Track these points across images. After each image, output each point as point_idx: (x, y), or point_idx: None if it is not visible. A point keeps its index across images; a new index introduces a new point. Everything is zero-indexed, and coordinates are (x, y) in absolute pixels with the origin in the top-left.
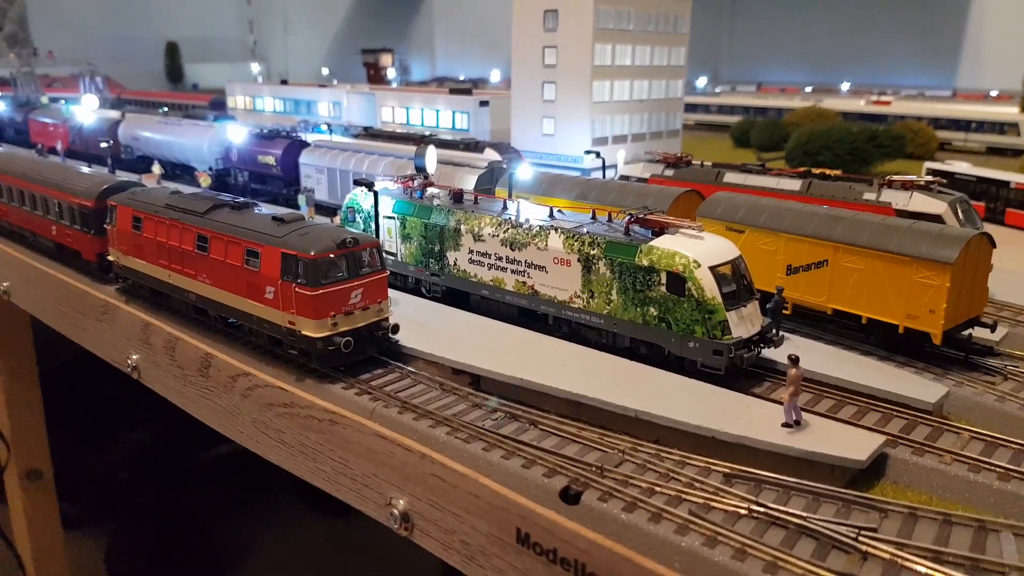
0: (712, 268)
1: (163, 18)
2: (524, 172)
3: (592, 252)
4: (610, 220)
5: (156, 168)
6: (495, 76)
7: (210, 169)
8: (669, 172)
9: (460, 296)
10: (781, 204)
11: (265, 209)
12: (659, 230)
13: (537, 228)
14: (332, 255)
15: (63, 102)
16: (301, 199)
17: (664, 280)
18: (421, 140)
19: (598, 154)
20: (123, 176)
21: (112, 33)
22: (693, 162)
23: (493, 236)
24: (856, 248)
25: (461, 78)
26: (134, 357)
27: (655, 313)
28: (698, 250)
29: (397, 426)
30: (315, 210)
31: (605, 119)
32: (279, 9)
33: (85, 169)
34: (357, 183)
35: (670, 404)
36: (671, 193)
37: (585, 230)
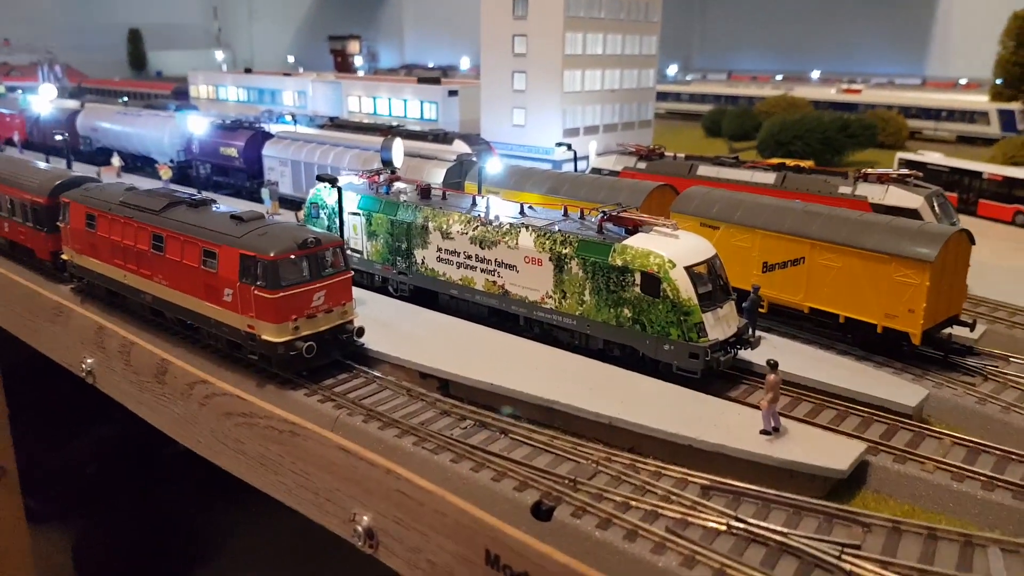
0: (687, 268)
1: (125, 4)
2: (494, 166)
3: (564, 251)
4: (582, 217)
5: (116, 160)
6: (464, 64)
7: (171, 161)
8: (642, 165)
9: (428, 295)
10: (757, 199)
11: (224, 207)
12: (633, 228)
13: (507, 226)
14: (293, 256)
15: (20, 92)
16: (265, 192)
17: (638, 280)
18: (388, 131)
19: (569, 146)
20: (81, 170)
21: (72, 20)
22: (666, 154)
23: (462, 234)
24: (833, 245)
25: (430, 65)
26: (88, 361)
27: (629, 314)
28: (673, 249)
29: (362, 436)
30: (279, 204)
31: (576, 109)
32: None
33: (40, 164)
34: (320, 179)
35: (645, 411)
36: (644, 188)
37: (557, 228)
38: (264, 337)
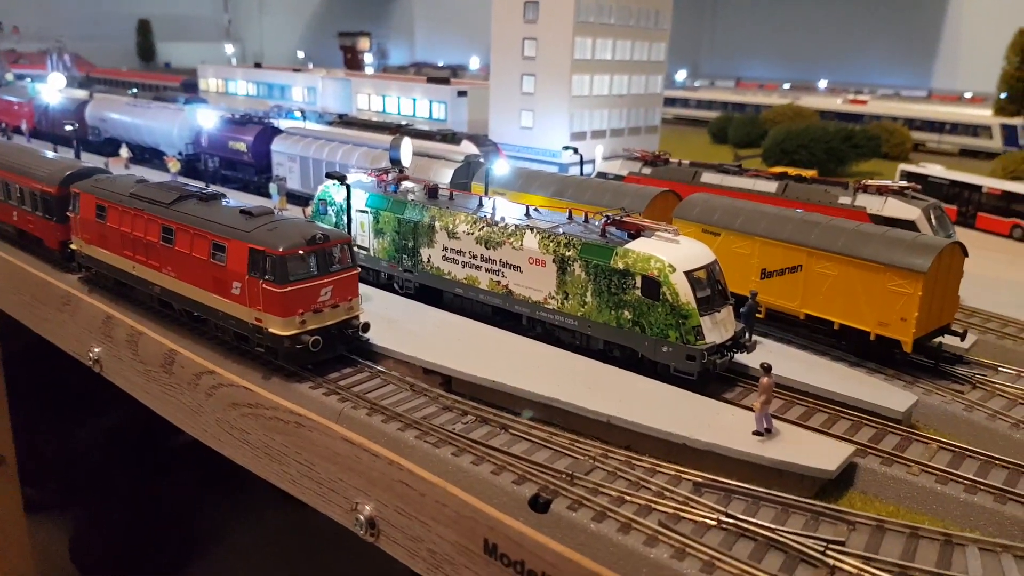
0: (687, 273)
1: None
2: (501, 167)
3: (567, 253)
4: (586, 221)
5: (124, 152)
6: (474, 63)
7: (180, 154)
8: (647, 170)
9: (433, 293)
10: (757, 207)
11: (233, 201)
12: (635, 232)
13: (512, 227)
14: (301, 251)
15: (29, 80)
16: (273, 188)
17: (639, 284)
18: (397, 130)
19: (576, 150)
20: (90, 160)
21: (83, 9)
22: (671, 160)
23: (468, 234)
24: (830, 254)
25: (440, 64)
26: (96, 350)
27: (629, 316)
28: (673, 254)
29: (366, 429)
30: (287, 199)
31: (584, 113)
32: None
33: (49, 153)
34: (329, 176)
35: (642, 410)
36: (648, 193)
37: (561, 231)
38: (271, 330)
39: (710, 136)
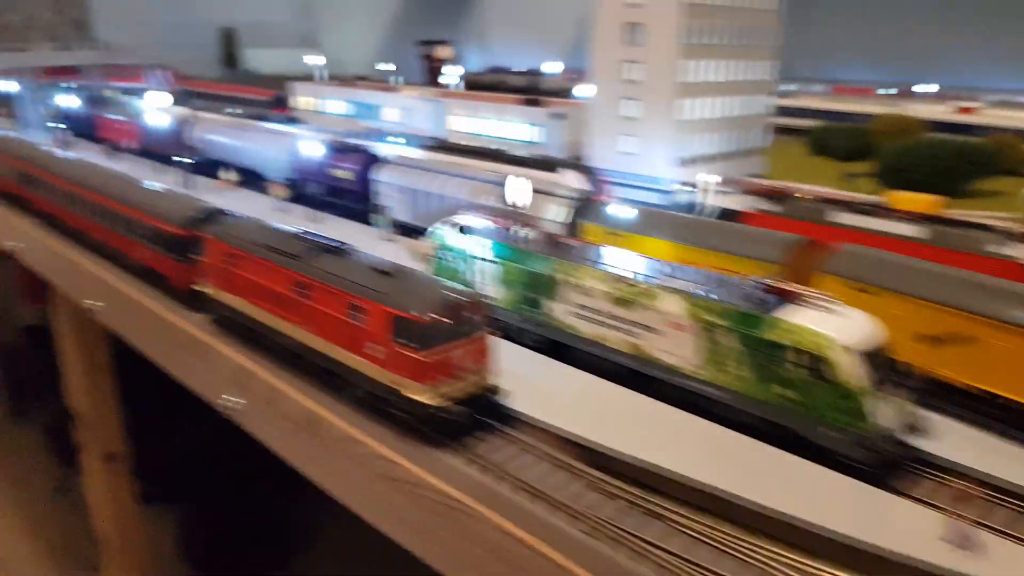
0: (855, 349)
1: (221, 2)
2: (618, 209)
3: (713, 319)
4: (732, 281)
5: (230, 175)
6: (553, 67)
7: (283, 179)
8: (767, 206)
9: (560, 346)
10: (918, 265)
11: (362, 254)
12: (789, 298)
13: (650, 286)
14: (441, 317)
15: (130, 98)
16: (377, 219)
17: (798, 359)
18: (496, 156)
19: (693, 186)
20: (199, 183)
21: (170, 19)
22: (793, 195)
23: (599, 290)
24: (1013, 327)
25: (517, 69)
26: (229, 399)
27: (785, 393)
28: (839, 327)
29: (512, 508)
30: (393, 230)
31: (688, 138)
32: None
33: (171, 190)
34: (451, 225)
35: (810, 504)
36: (782, 241)
37: (704, 293)
38: (409, 395)
39: (808, 147)
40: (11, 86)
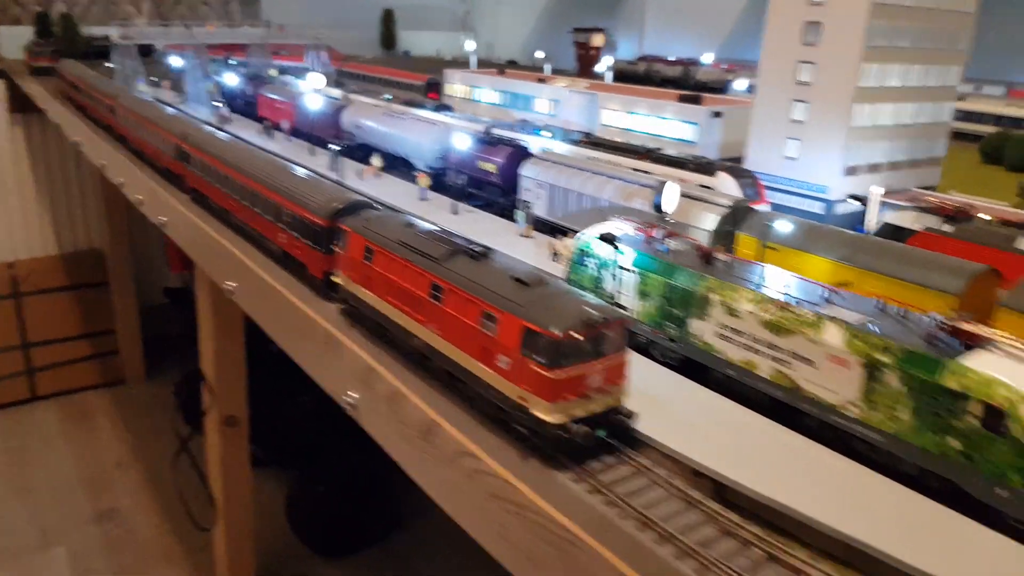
0: None
1: None
2: (774, 217)
3: (881, 357)
4: (905, 316)
5: (376, 161)
6: (707, 58)
7: (429, 168)
8: (945, 227)
9: (699, 367)
10: None
11: (503, 260)
12: (972, 342)
13: (812, 316)
14: (578, 335)
15: (291, 77)
16: (519, 215)
17: (976, 410)
18: (646, 155)
19: (864, 201)
20: (347, 168)
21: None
22: (969, 210)
23: (752, 314)
24: None
25: (671, 59)
26: (354, 396)
27: (957, 446)
28: None
29: (636, 549)
30: (533, 227)
31: (860, 145)
32: None
33: (318, 178)
34: (600, 237)
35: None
36: (963, 270)
37: (873, 328)
38: (535, 412)
39: (981, 155)
40: (179, 62)
